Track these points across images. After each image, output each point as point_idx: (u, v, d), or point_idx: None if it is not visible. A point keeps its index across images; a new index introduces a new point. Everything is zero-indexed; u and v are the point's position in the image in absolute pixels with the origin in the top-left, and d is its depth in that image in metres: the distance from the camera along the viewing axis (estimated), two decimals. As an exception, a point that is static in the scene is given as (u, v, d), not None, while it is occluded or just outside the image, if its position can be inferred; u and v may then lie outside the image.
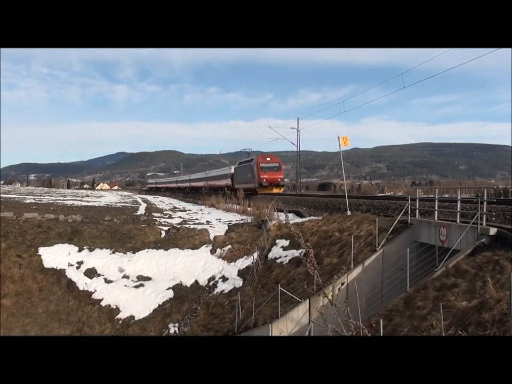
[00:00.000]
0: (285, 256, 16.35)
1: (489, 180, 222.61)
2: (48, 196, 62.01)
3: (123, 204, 47.17)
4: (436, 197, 11.95)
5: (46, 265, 17.99)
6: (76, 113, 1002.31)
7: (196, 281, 17.85)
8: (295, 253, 15.96)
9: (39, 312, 16.11)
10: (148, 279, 18.09)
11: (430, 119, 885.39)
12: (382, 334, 5.68)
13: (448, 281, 7.95)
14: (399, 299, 8.57)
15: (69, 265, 18.25)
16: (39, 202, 41.51)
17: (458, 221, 10.38)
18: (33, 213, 24.46)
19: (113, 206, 42.47)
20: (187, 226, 22.87)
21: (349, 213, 16.90)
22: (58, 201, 44.34)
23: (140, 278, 18.12)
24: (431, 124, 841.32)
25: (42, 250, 18.69)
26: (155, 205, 47.89)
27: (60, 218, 23.88)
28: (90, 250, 19.35)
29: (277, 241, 17.99)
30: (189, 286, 17.65)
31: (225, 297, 16.12)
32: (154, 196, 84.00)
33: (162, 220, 27.24)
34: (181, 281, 17.78)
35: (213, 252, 19.58)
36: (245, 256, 18.50)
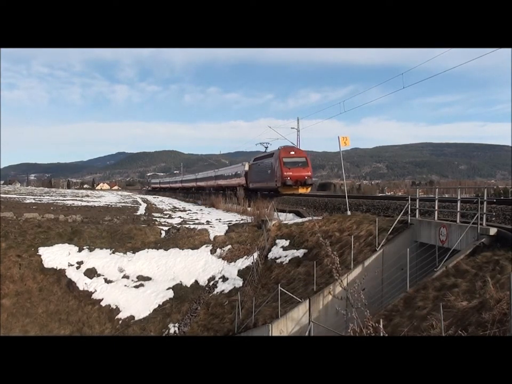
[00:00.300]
0: (285, 256, 16.35)
1: (489, 180, 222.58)
2: (48, 195, 62.01)
3: (123, 204, 47.16)
4: (436, 197, 11.95)
5: (46, 265, 17.99)
6: (76, 113, 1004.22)
7: (196, 281, 17.85)
8: (295, 253, 15.96)
9: (39, 312, 16.10)
10: (148, 279, 18.09)
11: (430, 119, 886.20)
12: (382, 334, 5.68)
13: (448, 281, 7.95)
14: (399, 299, 8.57)
15: (69, 265, 18.25)
16: (39, 202, 41.50)
17: (458, 221, 10.37)
18: (33, 213, 24.46)
19: (113, 206, 42.47)
20: (187, 226, 22.87)
21: (349, 213, 16.90)
22: (58, 201, 44.34)
23: (140, 278, 18.12)
24: (431, 124, 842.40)
25: (42, 250, 18.69)
26: (155, 205, 47.89)
27: (60, 218, 23.87)
28: (90, 250, 19.35)
29: (277, 241, 17.98)
30: (189, 286, 17.65)
31: (225, 297, 16.12)
32: (154, 196, 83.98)
33: (162, 219, 27.24)
34: (181, 281, 17.78)
35: (213, 251, 19.58)
36: (245, 256, 18.50)
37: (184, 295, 17.12)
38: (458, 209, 10.68)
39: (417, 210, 12.44)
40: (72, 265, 18.31)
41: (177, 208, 41.64)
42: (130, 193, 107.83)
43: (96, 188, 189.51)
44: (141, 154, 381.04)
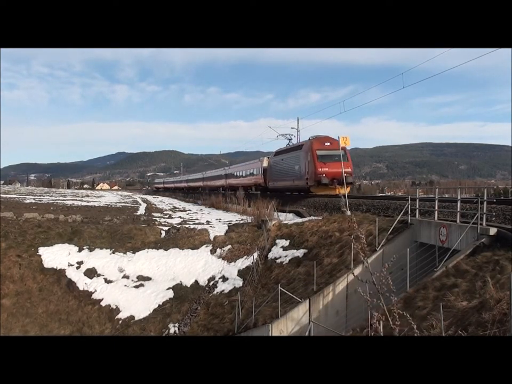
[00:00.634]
0: (285, 256, 16.35)
1: (489, 180, 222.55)
2: (48, 195, 62.01)
3: (123, 204, 47.17)
4: (436, 197, 11.96)
5: (46, 265, 18.00)
6: (76, 113, 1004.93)
7: (196, 281, 17.85)
8: (295, 253, 15.97)
9: (39, 312, 16.10)
10: (148, 279, 18.09)
11: (430, 119, 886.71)
12: (382, 334, 5.68)
13: (448, 281, 7.95)
14: (399, 299, 8.57)
15: (69, 265, 18.25)
16: (39, 202, 41.50)
17: (458, 221, 10.38)
18: (33, 213, 24.45)
19: (113, 206, 42.47)
20: (187, 226, 22.87)
21: (349, 213, 16.90)
22: (58, 201, 44.34)
23: (140, 278, 18.13)
24: (431, 124, 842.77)
25: (42, 250, 18.69)
26: (155, 205, 47.91)
27: (60, 218, 23.87)
28: (90, 250, 19.35)
29: (277, 241, 17.98)
30: (189, 286, 17.65)
31: (225, 297, 16.12)
32: (154, 196, 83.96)
33: (162, 219, 27.24)
34: (181, 281, 17.78)
35: (213, 251, 19.58)
36: (245, 256, 18.50)
37: (184, 295, 17.12)
38: (458, 209, 10.68)
39: (417, 210, 12.45)
40: (72, 265, 18.31)
41: (177, 208, 41.65)
42: (130, 193, 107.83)
43: (96, 188, 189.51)
44: (141, 154, 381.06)
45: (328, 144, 25.14)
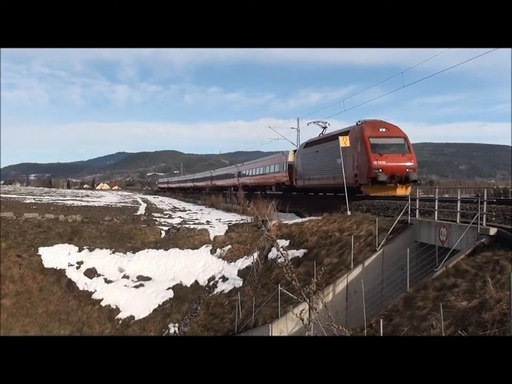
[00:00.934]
0: (285, 256, 16.33)
1: (489, 179, 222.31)
2: (48, 196, 62.01)
3: (123, 204, 47.17)
4: (436, 197, 11.96)
5: (46, 265, 18.00)
6: (76, 113, 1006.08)
7: (196, 281, 17.86)
8: (295, 253, 15.96)
9: (39, 312, 16.11)
10: (148, 279, 18.10)
11: (430, 119, 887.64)
12: (382, 334, 5.68)
13: (448, 281, 7.95)
14: (399, 299, 8.57)
15: (69, 265, 18.25)
16: (39, 202, 41.50)
17: (458, 221, 10.38)
18: (33, 213, 24.46)
19: (113, 206, 42.47)
20: (187, 226, 22.87)
21: (349, 213, 16.90)
22: (58, 201, 44.33)
23: (140, 278, 18.13)
24: (431, 124, 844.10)
25: (42, 250, 18.69)
26: (155, 205, 47.91)
27: (60, 218, 23.87)
28: (90, 250, 19.35)
29: (277, 241, 17.98)
30: (189, 286, 17.65)
31: (225, 297, 16.13)
32: (154, 196, 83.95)
33: (162, 219, 27.24)
34: (181, 281, 17.78)
35: (213, 252, 19.58)
36: (245, 256, 18.50)
37: (184, 295, 17.13)
38: (458, 209, 10.69)
39: (417, 210, 12.45)
40: (72, 265, 18.31)
41: (177, 208, 41.66)
42: (130, 193, 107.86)
43: (96, 188, 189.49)
44: (141, 154, 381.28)
45: (384, 130, 19.67)
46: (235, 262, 18.40)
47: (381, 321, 6.18)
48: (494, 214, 10.34)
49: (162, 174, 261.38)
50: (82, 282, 17.53)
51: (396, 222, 12.31)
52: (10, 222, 21.20)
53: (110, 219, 24.91)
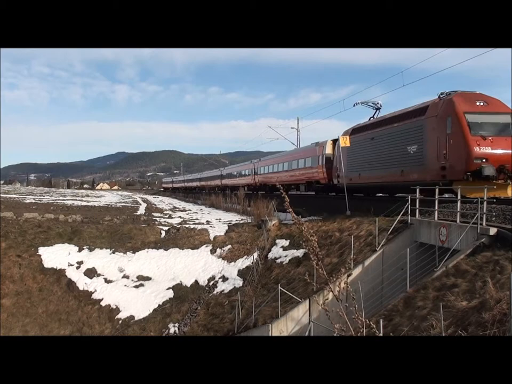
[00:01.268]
0: (285, 256, 16.36)
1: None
2: (48, 195, 62.01)
3: (123, 204, 47.17)
4: (436, 197, 11.94)
5: (46, 265, 18.00)
6: (77, 113, 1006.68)
7: (196, 281, 17.86)
8: (295, 253, 15.97)
9: (39, 312, 16.11)
10: (148, 279, 18.10)
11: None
12: (382, 334, 5.68)
13: (448, 281, 7.95)
14: (399, 299, 8.57)
15: (69, 265, 18.25)
16: (39, 202, 41.50)
17: (458, 221, 10.37)
18: (33, 213, 24.46)
19: (113, 206, 42.47)
20: (187, 226, 22.87)
21: (349, 213, 16.89)
22: (58, 201, 44.34)
23: (140, 278, 18.13)
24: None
25: (42, 250, 18.69)
26: (155, 204, 47.91)
27: (60, 218, 23.88)
28: (90, 250, 19.35)
29: (277, 241, 18.00)
30: (189, 286, 17.66)
31: (225, 297, 16.13)
32: (154, 196, 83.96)
33: (162, 219, 27.24)
34: (181, 281, 17.79)
35: (213, 251, 19.59)
36: (245, 256, 18.51)
37: (184, 295, 17.13)
38: (458, 209, 10.68)
39: (417, 210, 12.44)
40: (72, 265, 18.31)
41: (177, 208, 41.66)
42: (130, 193, 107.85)
43: (96, 188, 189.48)
44: (141, 154, 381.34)
45: (484, 104, 13.93)
46: (235, 262, 18.41)
47: (381, 321, 6.17)
48: (494, 214, 10.33)
49: (162, 174, 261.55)
50: (82, 282, 17.54)
51: (396, 222, 12.31)
52: (10, 222, 21.20)
53: (110, 219, 24.92)
